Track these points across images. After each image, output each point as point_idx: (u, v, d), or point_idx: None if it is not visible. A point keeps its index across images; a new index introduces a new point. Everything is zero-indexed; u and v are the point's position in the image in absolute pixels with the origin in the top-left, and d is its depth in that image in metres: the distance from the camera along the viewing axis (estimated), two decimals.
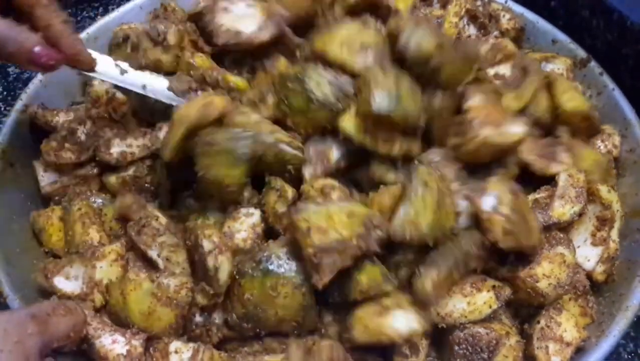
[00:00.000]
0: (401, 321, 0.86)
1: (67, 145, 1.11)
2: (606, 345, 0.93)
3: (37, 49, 0.89)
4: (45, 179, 1.13)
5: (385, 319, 0.86)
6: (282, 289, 0.89)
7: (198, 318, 0.94)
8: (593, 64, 1.28)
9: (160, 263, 0.95)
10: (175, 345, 0.90)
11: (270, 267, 0.89)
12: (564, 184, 1.01)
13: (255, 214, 0.99)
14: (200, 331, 0.94)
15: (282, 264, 0.90)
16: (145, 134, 1.11)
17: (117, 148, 1.09)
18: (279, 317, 0.90)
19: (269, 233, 0.99)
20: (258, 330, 0.92)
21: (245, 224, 0.97)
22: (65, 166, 1.12)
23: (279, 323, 0.91)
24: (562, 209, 0.99)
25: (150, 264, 0.96)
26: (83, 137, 1.12)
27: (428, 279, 0.87)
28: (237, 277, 0.91)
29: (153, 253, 0.96)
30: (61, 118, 1.17)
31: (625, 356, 1.13)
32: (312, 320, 0.93)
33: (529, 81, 1.09)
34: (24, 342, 0.72)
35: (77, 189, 1.11)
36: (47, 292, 0.98)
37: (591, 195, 1.03)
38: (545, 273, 0.93)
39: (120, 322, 0.92)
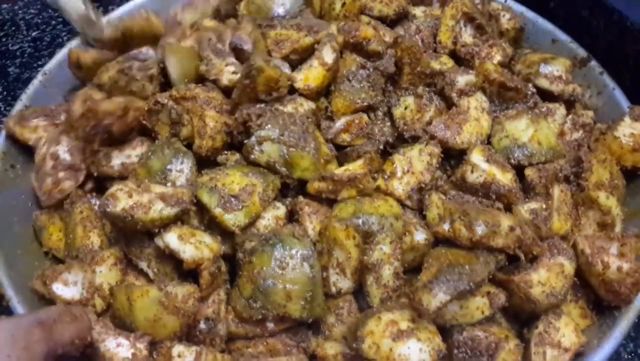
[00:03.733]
0: (415, 352, 0.86)
1: (60, 175, 1.09)
2: (608, 346, 0.94)
3: None
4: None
5: (398, 345, 0.86)
6: (291, 261, 0.93)
7: (202, 326, 0.95)
8: (593, 63, 1.28)
9: (151, 274, 0.98)
10: (178, 348, 0.91)
11: (280, 242, 0.95)
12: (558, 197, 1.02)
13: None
14: (205, 337, 0.95)
15: (292, 239, 0.95)
16: (143, 143, 1.10)
17: (117, 160, 1.08)
18: (287, 292, 0.92)
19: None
20: (266, 312, 0.93)
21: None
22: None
23: (287, 301, 0.93)
24: (559, 224, 1.00)
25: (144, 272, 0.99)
26: (68, 157, 1.10)
27: (437, 300, 0.86)
28: (248, 257, 0.95)
29: (143, 265, 0.99)
30: (40, 133, 1.14)
31: (625, 356, 1.14)
32: (319, 302, 0.95)
33: None
34: (31, 348, 0.73)
35: (78, 192, 1.10)
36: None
37: (590, 202, 1.04)
38: (540, 280, 0.93)
39: (124, 326, 0.93)
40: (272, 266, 0.93)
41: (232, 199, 0.97)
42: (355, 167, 1.04)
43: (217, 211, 0.97)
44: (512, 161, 1.07)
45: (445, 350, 0.88)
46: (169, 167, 1.03)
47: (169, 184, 1.01)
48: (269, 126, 1.01)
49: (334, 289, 0.98)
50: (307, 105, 1.11)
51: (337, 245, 0.96)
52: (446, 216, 0.96)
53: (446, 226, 0.95)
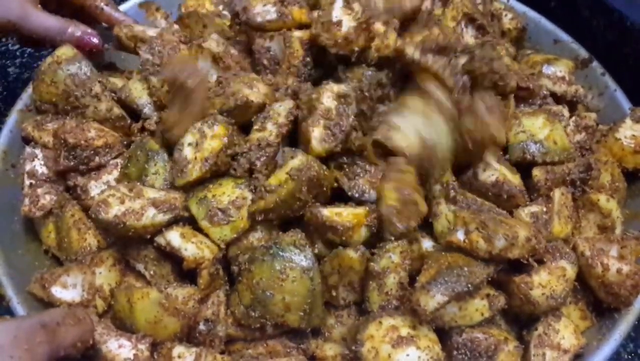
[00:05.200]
0: (413, 360, 0.86)
1: (38, 191, 1.07)
2: (607, 348, 0.94)
3: (87, 37, 1.18)
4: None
5: (397, 352, 0.86)
6: (291, 273, 0.91)
7: (202, 327, 0.95)
8: (595, 64, 1.28)
9: (147, 276, 0.97)
10: (178, 349, 0.91)
11: (280, 252, 0.93)
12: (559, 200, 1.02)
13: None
14: (204, 338, 0.95)
15: (292, 249, 0.93)
16: (117, 166, 1.07)
17: (96, 190, 1.05)
18: (285, 303, 0.91)
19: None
20: (264, 321, 0.93)
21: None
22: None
23: (286, 312, 0.92)
24: (559, 227, 1.00)
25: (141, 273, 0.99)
26: (45, 170, 1.09)
27: (434, 302, 0.86)
28: (247, 265, 0.94)
29: (140, 267, 0.98)
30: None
31: (625, 356, 1.15)
32: (318, 312, 0.94)
33: None
34: (33, 350, 0.74)
35: (65, 195, 1.08)
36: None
37: (590, 205, 1.04)
38: (541, 282, 0.93)
39: (125, 328, 0.93)
40: (271, 277, 0.91)
41: (219, 212, 0.95)
42: (349, 215, 0.95)
43: (204, 223, 0.95)
44: (527, 156, 1.05)
45: (445, 357, 0.89)
46: (145, 172, 1.02)
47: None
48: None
49: (342, 303, 0.98)
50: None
51: (352, 271, 0.94)
52: (459, 224, 0.94)
53: (461, 236, 0.93)
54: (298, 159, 0.95)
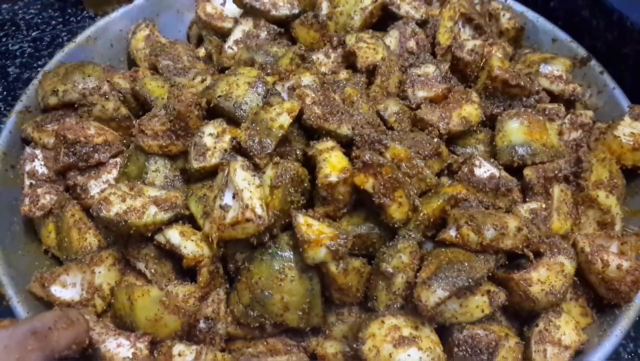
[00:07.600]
0: (414, 360, 0.85)
1: (39, 191, 1.08)
2: (608, 344, 0.94)
3: None
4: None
5: (398, 352, 0.86)
6: (289, 272, 0.91)
7: (202, 325, 0.95)
8: (593, 62, 1.29)
9: (148, 274, 0.97)
10: (178, 347, 0.91)
11: (279, 252, 0.93)
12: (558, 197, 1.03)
13: None
14: (204, 336, 0.95)
15: (291, 249, 0.93)
16: (116, 165, 1.08)
17: (96, 189, 1.06)
18: (284, 303, 0.91)
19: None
20: (263, 320, 0.93)
21: None
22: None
23: (285, 311, 0.92)
24: (559, 223, 1.00)
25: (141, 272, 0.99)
26: (46, 170, 1.10)
27: (435, 297, 0.86)
28: (247, 264, 0.94)
29: (141, 265, 0.98)
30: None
31: (626, 356, 1.14)
32: (317, 312, 0.94)
33: None
34: (25, 358, 0.73)
35: (65, 195, 1.08)
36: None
37: (590, 201, 1.04)
38: (540, 278, 0.92)
39: (125, 326, 0.93)
40: (270, 277, 0.91)
41: None
42: (316, 229, 0.91)
43: (202, 221, 0.95)
44: (516, 158, 1.06)
45: (445, 358, 0.88)
46: (145, 170, 1.02)
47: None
48: None
49: (337, 302, 0.98)
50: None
51: (336, 285, 0.94)
52: (451, 222, 0.95)
53: (453, 233, 0.94)
54: (270, 169, 0.94)
